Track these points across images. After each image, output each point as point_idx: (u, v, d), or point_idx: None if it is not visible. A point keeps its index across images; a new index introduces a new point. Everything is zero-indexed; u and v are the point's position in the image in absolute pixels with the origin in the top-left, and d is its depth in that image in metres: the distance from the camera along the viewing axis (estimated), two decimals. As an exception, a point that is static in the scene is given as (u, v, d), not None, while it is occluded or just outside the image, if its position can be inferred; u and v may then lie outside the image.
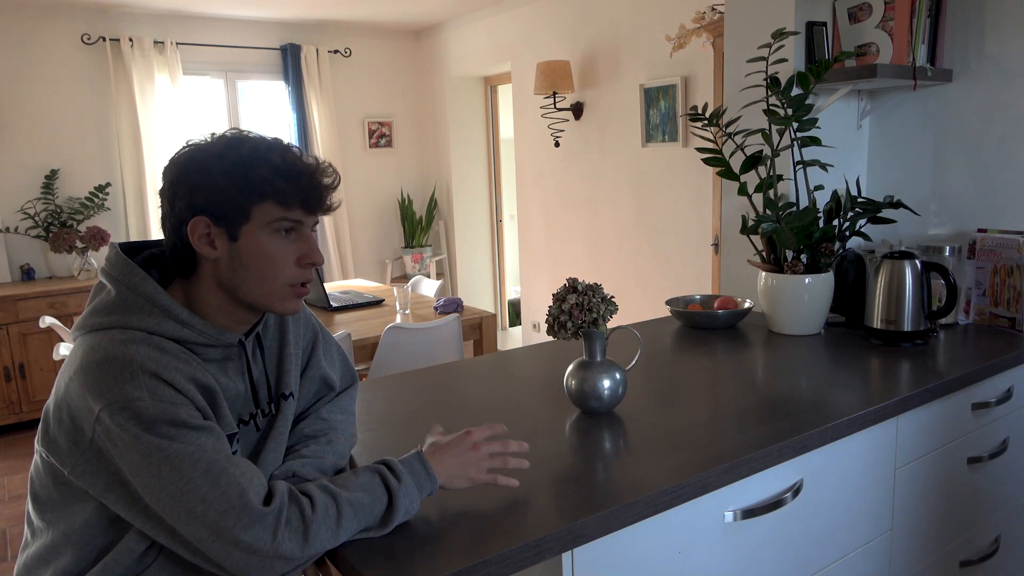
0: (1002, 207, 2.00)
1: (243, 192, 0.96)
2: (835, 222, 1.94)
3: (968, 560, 1.78)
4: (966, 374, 1.60)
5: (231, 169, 0.96)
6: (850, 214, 1.92)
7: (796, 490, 1.30)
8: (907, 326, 1.81)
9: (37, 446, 0.98)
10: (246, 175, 0.96)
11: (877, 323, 1.85)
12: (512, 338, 5.85)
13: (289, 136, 5.31)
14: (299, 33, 5.30)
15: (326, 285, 3.92)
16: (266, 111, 5.39)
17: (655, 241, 4.07)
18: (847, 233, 1.94)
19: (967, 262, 1.98)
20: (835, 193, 1.98)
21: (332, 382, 1.22)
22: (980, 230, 2.00)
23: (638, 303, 4.19)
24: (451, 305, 3.33)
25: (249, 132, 1.02)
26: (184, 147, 1.00)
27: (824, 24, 2.09)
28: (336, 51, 5.46)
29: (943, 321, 1.97)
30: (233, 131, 1.02)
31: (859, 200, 1.94)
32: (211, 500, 0.87)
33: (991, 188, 2.02)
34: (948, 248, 1.98)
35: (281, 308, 1.03)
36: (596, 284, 1.35)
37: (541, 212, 4.92)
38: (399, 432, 1.37)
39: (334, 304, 3.54)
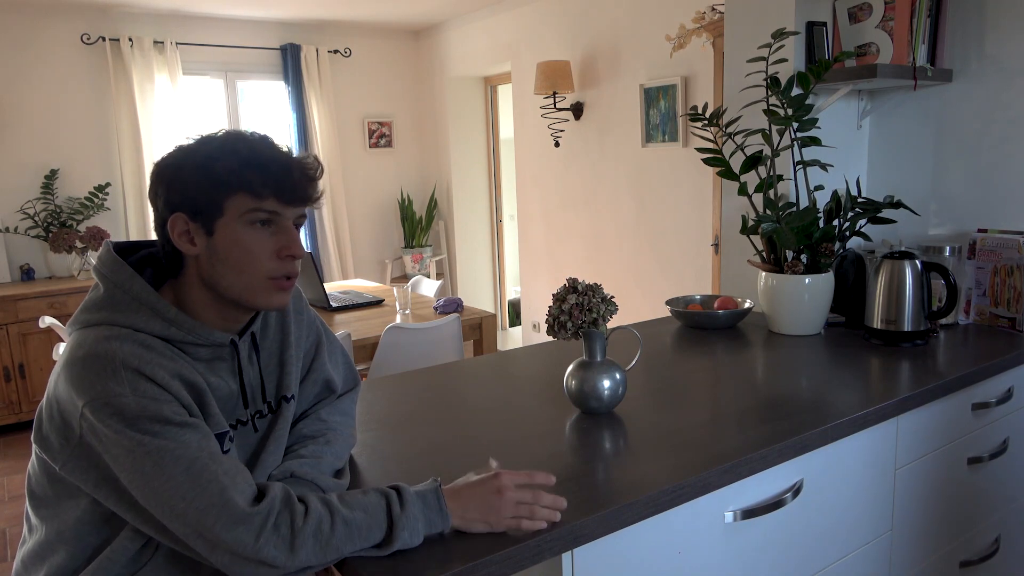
0: (1002, 207, 2.00)
1: (214, 185, 0.96)
2: (835, 222, 1.94)
3: (968, 560, 1.78)
4: (966, 374, 1.60)
5: (201, 164, 0.97)
6: (850, 214, 1.92)
7: (796, 490, 1.30)
8: (907, 326, 1.81)
9: (32, 443, 0.99)
10: (214, 168, 0.96)
11: (877, 323, 1.85)
12: (512, 338, 5.85)
13: (289, 136, 5.31)
14: (299, 33, 5.30)
15: (326, 285, 3.92)
16: (266, 111, 5.39)
17: (655, 241, 4.06)
18: (847, 233, 1.94)
19: (967, 262, 1.98)
20: (835, 193, 1.98)
21: (334, 385, 1.22)
22: (980, 230, 2.00)
23: (638, 303, 4.19)
24: (451, 305, 3.33)
25: (231, 130, 1.02)
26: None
27: (824, 24, 2.09)
28: (336, 51, 5.46)
29: (943, 321, 1.97)
30: (217, 131, 1.02)
31: (859, 200, 1.94)
32: (191, 498, 0.87)
33: (991, 188, 2.02)
34: (948, 248, 1.98)
35: (265, 302, 1.02)
36: (596, 284, 1.35)
37: (541, 212, 4.92)
38: (399, 432, 1.37)
39: (334, 304, 3.54)
